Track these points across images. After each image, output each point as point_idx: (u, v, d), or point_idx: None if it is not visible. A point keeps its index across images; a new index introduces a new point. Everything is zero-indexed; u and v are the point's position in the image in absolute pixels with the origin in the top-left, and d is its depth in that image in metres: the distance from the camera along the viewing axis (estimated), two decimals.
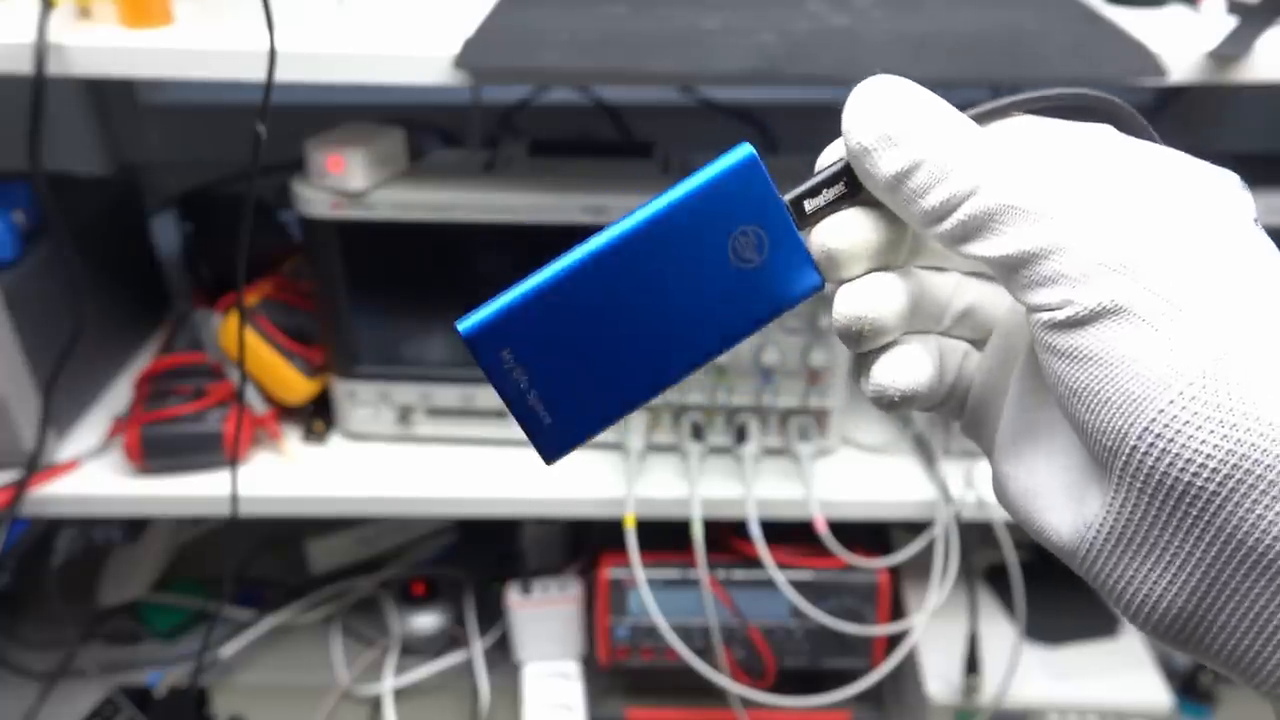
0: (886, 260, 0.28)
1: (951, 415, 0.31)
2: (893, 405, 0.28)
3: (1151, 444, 0.23)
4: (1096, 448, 0.24)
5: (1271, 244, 0.25)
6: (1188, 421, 0.22)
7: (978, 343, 0.31)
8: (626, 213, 0.27)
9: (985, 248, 0.25)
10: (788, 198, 0.28)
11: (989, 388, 0.30)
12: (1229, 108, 1.03)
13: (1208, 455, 0.22)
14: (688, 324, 0.28)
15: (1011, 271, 0.25)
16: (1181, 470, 0.22)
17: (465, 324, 0.27)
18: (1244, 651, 0.23)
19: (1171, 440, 0.22)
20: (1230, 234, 0.24)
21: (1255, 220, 0.25)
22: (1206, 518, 0.22)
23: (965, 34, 0.67)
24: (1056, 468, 0.27)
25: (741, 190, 0.27)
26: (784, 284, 0.28)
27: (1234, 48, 0.63)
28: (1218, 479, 0.22)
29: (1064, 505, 0.26)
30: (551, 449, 0.28)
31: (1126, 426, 0.23)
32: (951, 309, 0.30)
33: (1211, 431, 0.22)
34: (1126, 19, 0.70)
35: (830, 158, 0.28)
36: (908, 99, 0.26)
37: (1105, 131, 0.27)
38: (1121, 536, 0.24)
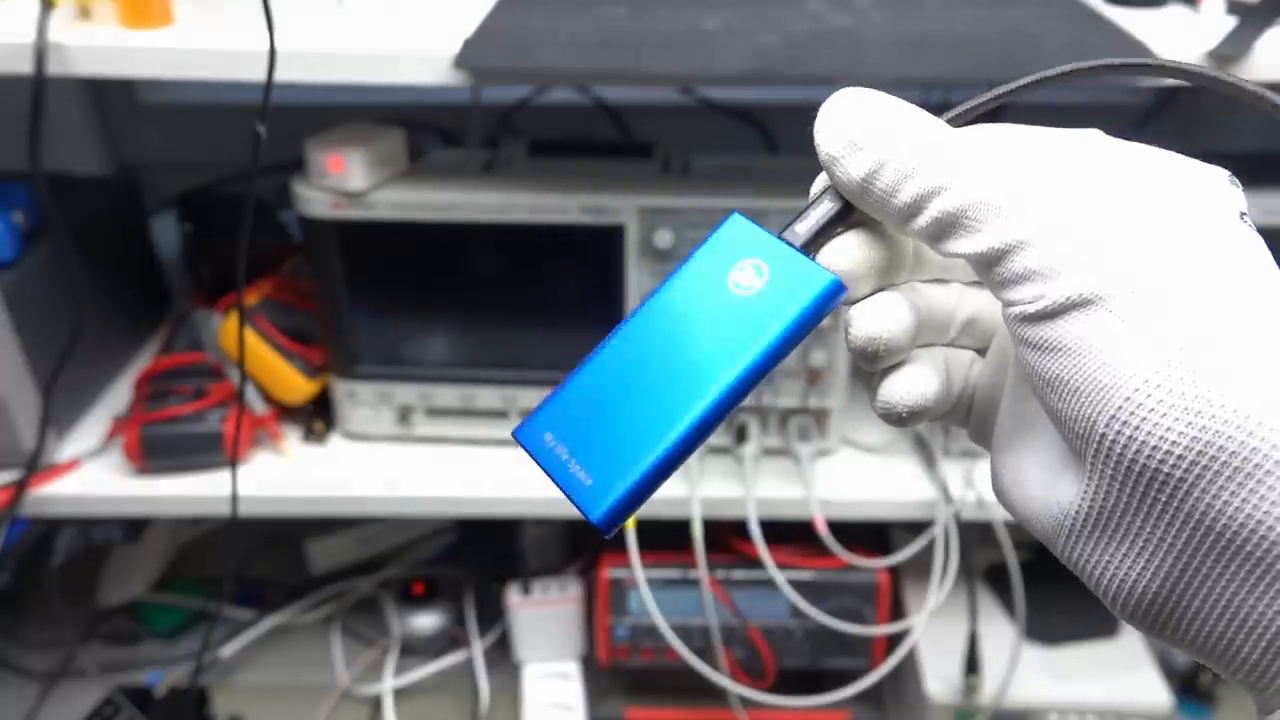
0: (891, 277, 0.29)
1: (959, 423, 0.32)
2: (901, 421, 0.29)
3: (1119, 431, 0.23)
4: (1070, 435, 0.25)
5: (1257, 238, 0.25)
6: (1153, 409, 0.22)
7: (982, 351, 0.31)
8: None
9: (961, 245, 0.25)
10: (781, 231, 0.29)
11: (991, 390, 0.31)
12: (1229, 108, 1.03)
13: (1173, 442, 0.22)
14: (708, 362, 0.28)
15: (988, 267, 0.25)
16: (1148, 457, 0.23)
17: (516, 428, 0.30)
18: (1217, 639, 0.24)
19: (1138, 428, 0.23)
20: (1210, 227, 0.24)
21: (1243, 215, 0.25)
22: (1175, 503, 0.23)
23: (964, 34, 0.68)
24: (1041, 458, 0.27)
25: (732, 239, 0.30)
26: (794, 293, 0.28)
27: (1234, 48, 0.63)
28: (1184, 465, 0.22)
29: (1046, 493, 0.27)
30: (596, 509, 0.28)
31: (1095, 414, 0.23)
32: (956, 320, 0.30)
33: (1177, 419, 0.22)
34: (1126, 19, 0.70)
35: (820, 185, 0.29)
36: (870, 106, 0.27)
37: (1090, 133, 0.27)
38: (1096, 522, 0.24)
